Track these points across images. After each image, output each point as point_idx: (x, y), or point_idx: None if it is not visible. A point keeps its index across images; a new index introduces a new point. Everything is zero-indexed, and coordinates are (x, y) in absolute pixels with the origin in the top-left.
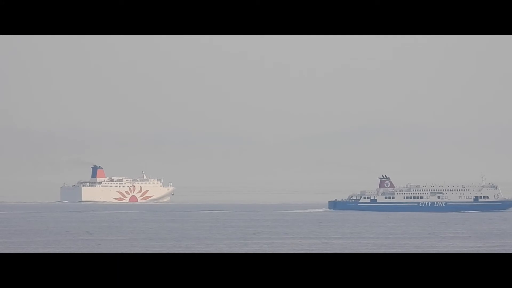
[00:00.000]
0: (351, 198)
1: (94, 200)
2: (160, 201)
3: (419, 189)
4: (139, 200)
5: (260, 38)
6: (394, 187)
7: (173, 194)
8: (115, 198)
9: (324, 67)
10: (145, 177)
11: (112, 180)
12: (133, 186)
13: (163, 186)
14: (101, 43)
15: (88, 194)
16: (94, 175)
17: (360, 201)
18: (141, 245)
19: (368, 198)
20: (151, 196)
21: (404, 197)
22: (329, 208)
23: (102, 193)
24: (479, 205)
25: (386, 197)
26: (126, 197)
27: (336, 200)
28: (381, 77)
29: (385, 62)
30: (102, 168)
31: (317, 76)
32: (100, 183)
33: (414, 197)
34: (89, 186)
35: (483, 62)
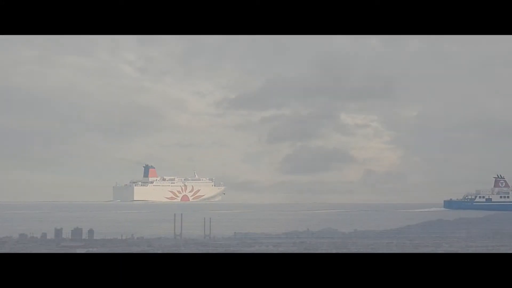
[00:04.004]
0: (466, 198)
1: (146, 199)
2: (211, 200)
3: None
4: (190, 200)
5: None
6: (508, 186)
7: (224, 193)
8: (167, 197)
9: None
10: (196, 176)
11: (164, 180)
12: (185, 186)
13: (214, 185)
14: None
15: (140, 193)
16: (146, 174)
17: (476, 200)
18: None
19: (483, 197)
20: (203, 196)
21: None
22: (445, 207)
23: (154, 192)
24: None
25: (501, 196)
26: (178, 196)
27: (451, 199)
28: None
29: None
30: (154, 168)
31: None
32: (152, 182)
33: None
34: (141, 185)
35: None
